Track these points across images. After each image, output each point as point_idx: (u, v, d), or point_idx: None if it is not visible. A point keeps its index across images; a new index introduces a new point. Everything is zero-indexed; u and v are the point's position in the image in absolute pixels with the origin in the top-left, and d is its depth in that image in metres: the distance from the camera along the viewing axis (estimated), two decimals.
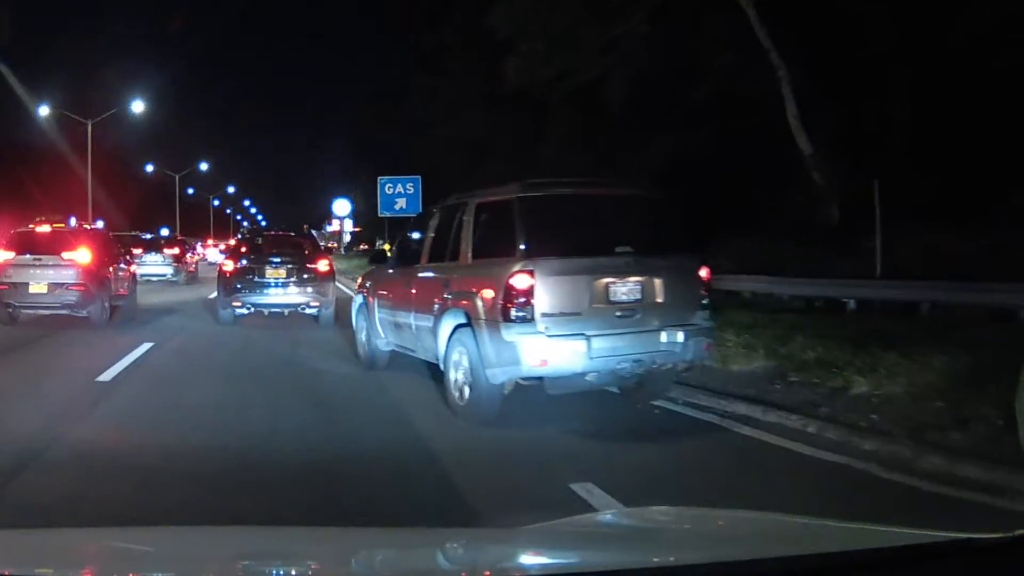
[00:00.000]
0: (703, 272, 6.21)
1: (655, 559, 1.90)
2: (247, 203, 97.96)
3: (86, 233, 13.90)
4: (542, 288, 5.63)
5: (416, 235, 7.67)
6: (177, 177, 57.51)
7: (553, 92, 22.91)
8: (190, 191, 66.60)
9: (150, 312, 14.63)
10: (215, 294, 14.00)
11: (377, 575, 2.05)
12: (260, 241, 14.16)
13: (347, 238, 50.24)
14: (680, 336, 5.90)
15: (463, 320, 6.04)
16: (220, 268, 13.53)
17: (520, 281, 5.64)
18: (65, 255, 12.27)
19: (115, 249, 14.68)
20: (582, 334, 5.63)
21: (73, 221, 18.81)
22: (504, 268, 5.73)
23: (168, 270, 23.78)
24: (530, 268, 5.65)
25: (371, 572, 2.04)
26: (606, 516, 2.60)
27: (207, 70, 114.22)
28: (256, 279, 12.62)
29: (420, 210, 20.52)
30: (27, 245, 12.44)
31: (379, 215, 24.80)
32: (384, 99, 45.38)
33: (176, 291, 21.11)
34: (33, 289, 12.08)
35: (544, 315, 5.62)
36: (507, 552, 2.10)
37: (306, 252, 13.27)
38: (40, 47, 49.98)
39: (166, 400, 6.64)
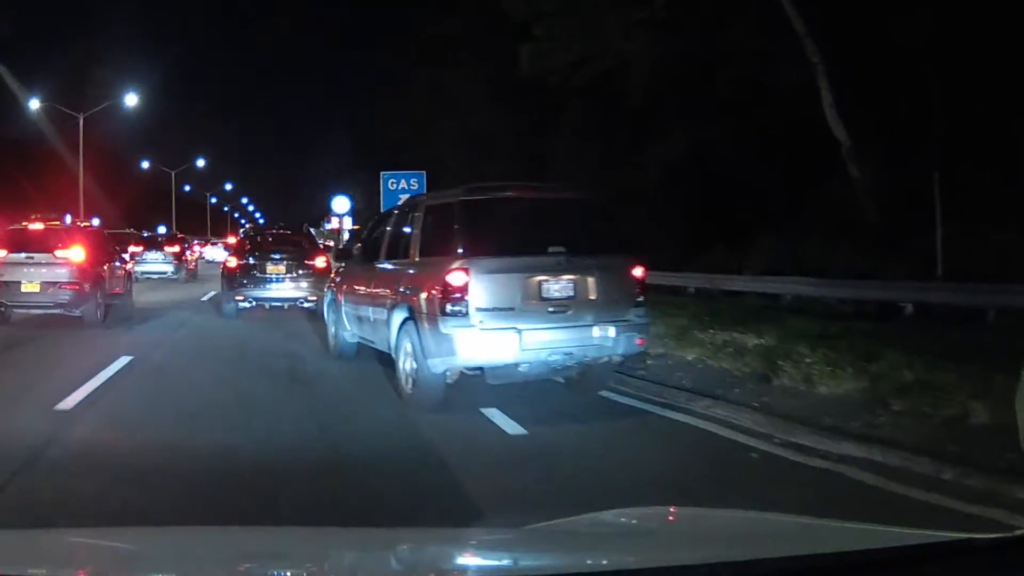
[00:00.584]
0: (637, 271, 6.73)
1: (655, 559, 1.92)
2: (245, 200, 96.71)
3: (80, 231, 13.84)
4: (476, 285, 6.19)
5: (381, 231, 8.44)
6: (173, 174, 57.20)
7: (569, 80, 22.25)
8: (187, 188, 65.21)
9: (145, 311, 14.65)
10: (211, 294, 15.36)
11: (377, 575, 2.06)
12: (261, 239, 15.13)
13: (346, 236, 48.88)
14: (612, 331, 6.44)
15: (409, 314, 6.66)
16: (224, 264, 14.84)
17: (456, 278, 6.21)
18: (58, 253, 12.26)
19: (110, 247, 14.69)
20: (514, 328, 6.19)
21: (69, 219, 19.01)
22: (442, 266, 6.34)
23: (169, 268, 24.56)
24: (465, 266, 6.23)
25: (371, 572, 2.06)
26: (606, 516, 2.48)
27: (204, 66, 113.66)
28: (258, 275, 13.62)
29: None
30: (20, 243, 12.45)
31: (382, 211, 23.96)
32: (385, 94, 44.81)
33: (175, 289, 21.47)
34: (26, 288, 12.08)
35: (478, 310, 6.18)
36: (507, 552, 2.14)
37: (305, 249, 14.30)
38: (34, 41, 49.37)
39: (126, 447, 5.34)
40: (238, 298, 13.67)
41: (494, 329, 6.20)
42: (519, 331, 6.21)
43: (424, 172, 19.86)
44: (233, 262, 14.12)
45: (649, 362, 8.09)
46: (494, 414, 6.25)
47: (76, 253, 12.25)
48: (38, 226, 12.88)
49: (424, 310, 6.43)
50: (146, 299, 16.94)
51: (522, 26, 22.23)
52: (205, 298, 17.47)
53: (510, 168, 33.74)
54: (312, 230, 23.25)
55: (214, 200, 77.70)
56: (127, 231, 30.44)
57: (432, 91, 37.79)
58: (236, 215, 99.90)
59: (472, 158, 37.04)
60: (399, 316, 6.89)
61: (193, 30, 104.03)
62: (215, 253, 42.85)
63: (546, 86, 26.63)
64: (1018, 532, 1.79)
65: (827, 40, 16.84)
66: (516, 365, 6.31)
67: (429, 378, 6.41)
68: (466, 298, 6.21)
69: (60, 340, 10.55)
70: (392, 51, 43.77)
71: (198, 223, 65.81)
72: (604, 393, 7.08)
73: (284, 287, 13.63)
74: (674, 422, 6.14)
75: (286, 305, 13.36)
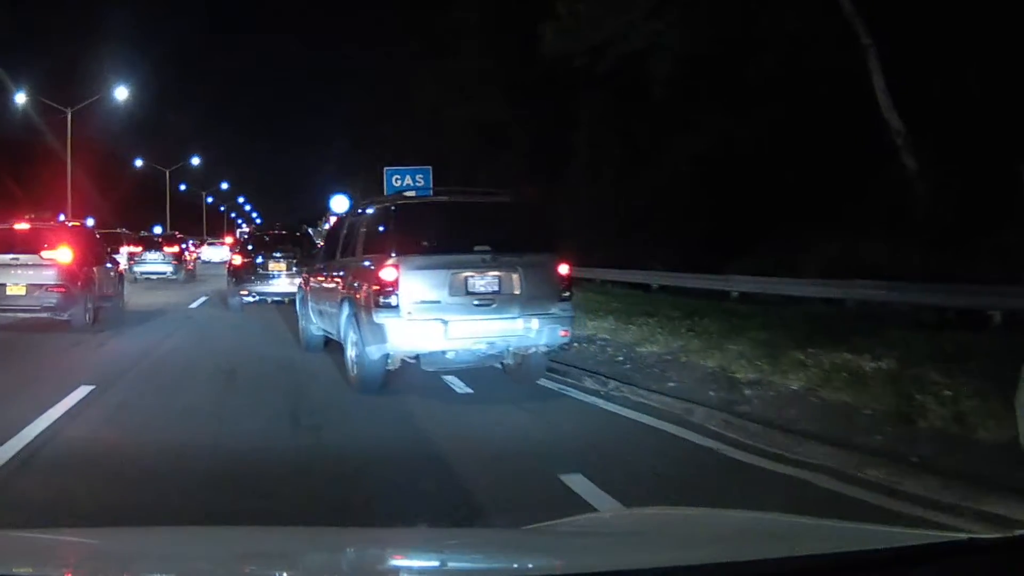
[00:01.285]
0: (563, 269, 7.55)
1: (655, 559, 1.96)
2: (241, 200, 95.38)
3: (68, 230, 13.71)
4: (405, 280, 7.04)
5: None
6: (167, 172, 56.67)
7: (593, 64, 21.40)
8: (182, 187, 63.74)
9: (135, 316, 14.51)
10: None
11: (377, 575, 2.13)
12: (262, 239, 16.80)
13: None
14: (536, 323, 7.21)
15: (352, 306, 7.65)
16: (229, 263, 16.79)
17: (387, 274, 7.08)
18: (45, 254, 12.11)
19: (100, 247, 14.64)
20: (440, 319, 7.00)
21: (63, 218, 19.47)
22: (377, 263, 7.29)
23: (168, 268, 25.46)
24: (396, 263, 7.10)
25: (371, 572, 2.12)
26: (606, 516, 2.65)
27: (198, 63, 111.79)
28: (260, 272, 15.05)
29: None
30: (4, 243, 12.30)
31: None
32: (387, 88, 43.73)
33: (172, 290, 21.72)
34: (11, 291, 11.92)
35: (408, 302, 7.01)
36: (507, 552, 2.20)
37: (303, 248, 15.56)
38: (23, 37, 47.65)
39: None
40: (242, 292, 15.36)
41: (422, 320, 7.02)
42: (445, 322, 7.03)
43: (430, 168, 19.29)
44: (238, 260, 15.92)
45: (747, 392, 6.89)
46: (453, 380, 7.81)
47: (63, 254, 12.13)
48: (23, 226, 12.79)
49: (363, 303, 7.35)
50: (139, 302, 16.94)
51: (542, 5, 21.26)
52: (195, 304, 17.17)
53: (522, 163, 32.71)
54: (311, 230, 23.81)
55: (210, 200, 76.22)
56: (119, 231, 30.36)
57: (438, 84, 36.76)
58: (233, 215, 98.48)
59: (481, 154, 35.69)
60: (346, 309, 7.86)
61: (188, 27, 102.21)
62: (211, 253, 41.91)
63: (563, 77, 25.84)
64: (1018, 532, 1.79)
65: (877, 19, 15.49)
66: (444, 353, 7.18)
67: (368, 364, 7.26)
68: (396, 292, 7.03)
69: (18, 355, 9.64)
70: (395, 42, 42.86)
71: (194, 223, 64.37)
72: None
73: (284, 283, 14.81)
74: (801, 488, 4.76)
75: (286, 300, 13.98)
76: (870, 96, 16.78)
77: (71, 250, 12.29)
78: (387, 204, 8.18)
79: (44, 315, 11.94)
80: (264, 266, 15.24)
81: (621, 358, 9.08)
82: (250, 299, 15.21)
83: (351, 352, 7.63)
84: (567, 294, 7.55)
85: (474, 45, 33.18)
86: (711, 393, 6.96)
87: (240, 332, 12.61)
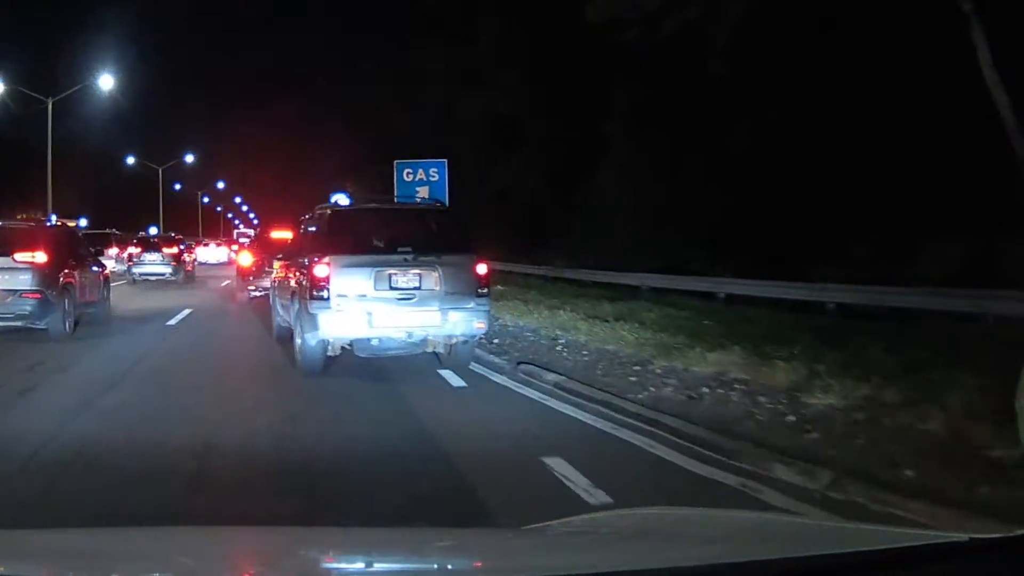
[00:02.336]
0: (479, 269, 8.86)
1: (655, 559, 2.06)
2: (238, 200, 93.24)
3: (45, 230, 13.07)
4: (335, 276, 8.47)
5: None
6: (160, 170, 54.57)
7: (645, 35, 19.09)
8: (177, 187, 61.77)
9: (120, 322, 14.07)
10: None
11: (377, 575, 2.24)
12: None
13: None
14: (453, 316, 8.62)
15: (298, 300, 9.25)
16: (237, 264, 19.68)
17: (320, 271, 8.52)
18: (18, 256, 11.47)
19: (83, 249, 14.00)
20: (366, 310, 8.48)
21: (55, 218, 18.81)
22: (312, 262, 8.68)
23: (167, 269, 25.65)
24: (327, 262, 8.54)
25: (371, 572, 2.22)
26: (606, 516, 2.70)
27: (190, 53, 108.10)
28: (267, 269, 15.78)
29: (446, 202, 16.72)
30: None
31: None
32: (391, 77, 41.66)
33: (167, 293, 21.33)
34: None
35: (337, 296, 8.47)
36: (507, 552, 2.30)
37: None
38: (12, 29, 45.56)
39: None
40: (250, 287, 17.82)
41: (349, 311, 8.46)
42: (370, 313, 8.47)
43: (445, 160, 18.19)
44: (247, 261, 18.67)
45: None
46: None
47: (40, 256, 11.56)
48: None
49: (303, 296, 8.86)
50: (129, 307, 16.55)
51: None
52: (175, 320, 15.01)
53: (541, 158, 30.09)
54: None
55: (206, 200, 74.15)
56: (107, 231, 30.08)
57: (449, 71, 35.11)
58: (230, 215, 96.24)
59: (498, 148, 33.44)
60: (296, 302, 9.35)
61: (180, 20, 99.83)
62: (207, 254, 40.10)
63: (593, 61, 24.35)
64: (1018, 532, 1.82)
65: None
66: (369, 340, 8.67)
67: (307, 350, 8.73)
68: (327, 287, 8.44)
69: None
70: (401, 27, 41.50)
71: (189, 223, 62.12)
72: None
73: None
74: None
75: None
76: (972, 71, 14.49)
77: (48, 252, 11.71)
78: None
79: (18, 323, 11.39)
80: (268, 264, 16.11)
81: (793, 417, 6.51)
82: (257, 293, 17.29)
83: (298, 340, 9.01)
84: (484, 291, 8.89)
85: (495, 24, 31.59)
86: None
87: (222, 372, 9.80)
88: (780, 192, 19.05)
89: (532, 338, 11.53)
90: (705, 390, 7.42)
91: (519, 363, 9.38)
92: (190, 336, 12.89)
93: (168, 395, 7.94)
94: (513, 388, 8.43)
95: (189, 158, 56.82)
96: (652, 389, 7.71)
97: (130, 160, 53.56)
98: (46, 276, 11.48)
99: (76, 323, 12.40)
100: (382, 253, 8.71)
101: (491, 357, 9.97)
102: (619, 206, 25.22)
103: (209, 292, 22.36)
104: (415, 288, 8.49)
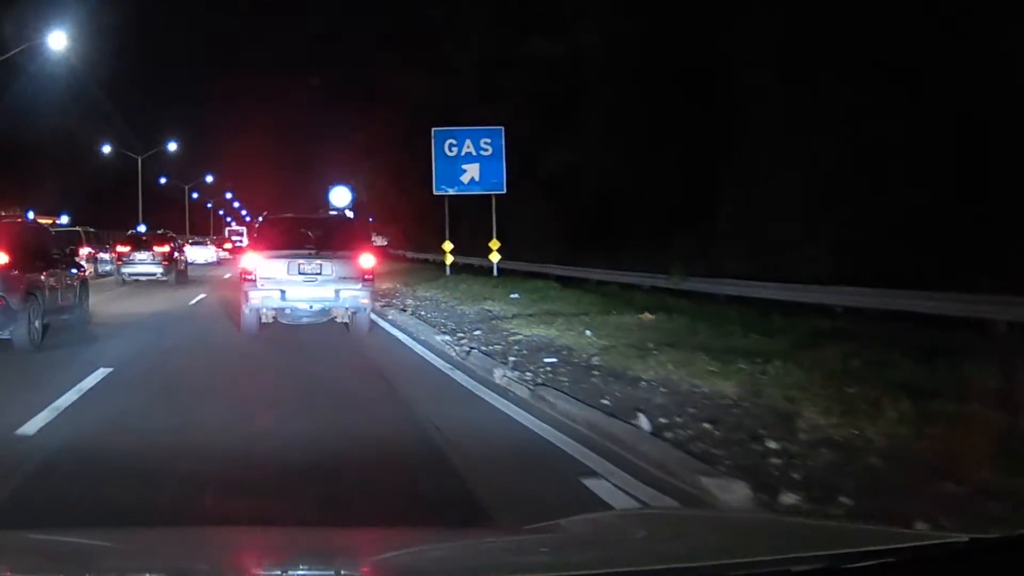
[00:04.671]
0: (365, 262, 12.40)
1: (654, 559, 2.08)
2: (229, 196, 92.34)
3: (6, 228, 11.96)
4: (260, 266, 12.27)
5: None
6: (140, 160, 50.62)
7: None
8: (162, 181, 60.53)
9: (98, 329, 13.20)
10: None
11: (377, 575, 2.26)
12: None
13: None
14: (343, 294, 12.13)
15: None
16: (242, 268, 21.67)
17: (249, 262, 12.68)
18: None
19: (53, 249, 12.99)
20: (280, 288, 12.13)
21: (31, 215, 19.97)
22: (248, 255, 13.18)
23: (158, 269, 24.90)
24: (255, 255, 12.63)
25: (370, 572, 2.24)
26: (606, 516, 2.72)
27: (171, 28, 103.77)
28: None
29: (503, 185, 15.22)
30: None
31: (435, 192, 17.47)
32: (408, 41, 37.54)
33: (156, 295, 20.30)
34: None
35: (261, 279, 12.19)
36: (508, 552, 2.32)
37: None
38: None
39: None
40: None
41: (269, 288, 12.10)
42: (283, 291, 12.13)
43: (501, 128, 15.64)
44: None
45: None
46: None
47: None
48: None
49: (242, 279, 12.62)
50: (110, 312, 15.65)
51: None
52: (163, 326, 13.98)
53: (630, 125, 23.69)
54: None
55: (195, 195, 73.10)
56: (75, 229, 28.64)
57: (501, 10, 27.84)
58: (221, 212, 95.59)
59: (556, 119, 26.16)
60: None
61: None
62: (196, 254, 39.11)
63: None
64: (1018, 532, 1.86)
65: None
66: (284, 309, 12.32)
67: (246, 317, 12.40)
68: (255, 272, 12.21)
69: None
70: None
71: (176, 220, 60.97)
72: None
73: None
74: None
75: None
76: None
77: (9, 253, 10.82)
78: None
79: None
80: None
81: None
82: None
83: (244, 311, 12.63)
84: (368, 277, 12.29)
85: None
86: None
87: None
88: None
89: None
90: None
91: None
92: (162, 354, 10.82)
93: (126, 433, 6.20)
94: None
95: (172, 146, 53.38)
96: None
97: (106, 149, 49.73)
98: (7, 280, 10.56)
99: (45, 330, 11.49)
100: (293, 249, 12.30)
101: None
102: (766, 189, 18.52)
103: (201, 294, 20.98)
104: (316, 273, 12.12)
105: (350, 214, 35.55)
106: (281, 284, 12.02)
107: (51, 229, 17.81)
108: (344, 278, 12.08)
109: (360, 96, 46.84)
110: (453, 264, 23.23)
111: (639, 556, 2.10)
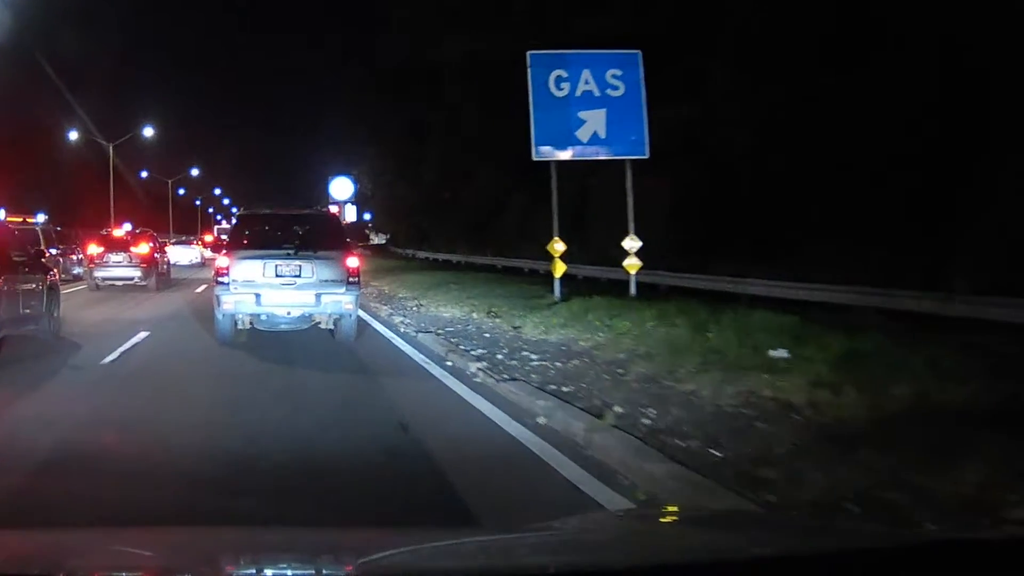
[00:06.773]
0: (350, 262, 11.44)
1: (655, 559, 2.10)
2: (218, 192, 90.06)
3: None
4: (234, 266, 11.24)
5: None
6: (111, 147, 45.89)
7: None
8: (143, 174, 58.25)
9: (67, 341, 11.83)
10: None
11: (377, 575, 2.28)
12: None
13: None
14: (325, 299, 11.17)
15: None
16: (215, 270, 20.46)
17: (222, 262, 11.62)
18: None
19: (13, 249, 11.51)
20: (256, 292, 11.14)
21: (3, 214, 18.86)
22: (222, 255, 12.13)
23: (135, 273, 22.62)
24: (228, 255, 11.56)
25: (371, 572, 2.25)
26: (605, 516, 2.70)
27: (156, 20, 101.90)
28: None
29: (645, 146, 11.60)
30: None
31: (535, 157, 12.46)
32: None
33: (136, 302, 18.60)
34: None
35: (235, 281, 11.18)
36: (506, 552, 2.33)
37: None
38: None
39: None
40: None
41: (243, 292, 11.11)
42: (258, 295, 11.13)
43: (639, 53, 11.30)
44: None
45: None
46: None
47: None
48: None
49: (214, 281, 11.64)
50: (87, 318, 14.63)
51: None
52: (127, 345, 11.46)
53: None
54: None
55: (181, 191, 70.61)
56: (34, 226, 26.09)
57: None
58: (210, 209, 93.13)
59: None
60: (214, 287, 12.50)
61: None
62: (179, 254, 37.03)
63: None
64: (1019, 532, 1.89)
65: None
66: (259, 315, 11.38)
67: (219, 323, 11.43)
68: (229, 274, 11.16)
69: None
70: None
71: (159, 217, 58.69)
72: None
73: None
74: None
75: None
76: None
77: None
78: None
79: None
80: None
81: None
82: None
83: (218, 316, 11.75)
84: (354, 279, 11.35)
85: None
86: None
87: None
88: None
89: None
90: None
91: None
92: (134, 375, 9.37)
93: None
94: None
95: (148, 131, 47.18)
96: None
97: (73, 135, 45.31)
98: None
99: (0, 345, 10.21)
100: (270, 248, 11.33)
101: None
102: None
103: (188, 298, 19.82)
104: (295, 276, 11.14)
105: (352, 207, 33.17)
106: (256, 287, 10.99)
107: (13, 228, 15.67)
108: (326, 281, 11.06)
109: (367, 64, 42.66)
110: (563, 276, 14.46)
111: (634, 556, 2.13)
